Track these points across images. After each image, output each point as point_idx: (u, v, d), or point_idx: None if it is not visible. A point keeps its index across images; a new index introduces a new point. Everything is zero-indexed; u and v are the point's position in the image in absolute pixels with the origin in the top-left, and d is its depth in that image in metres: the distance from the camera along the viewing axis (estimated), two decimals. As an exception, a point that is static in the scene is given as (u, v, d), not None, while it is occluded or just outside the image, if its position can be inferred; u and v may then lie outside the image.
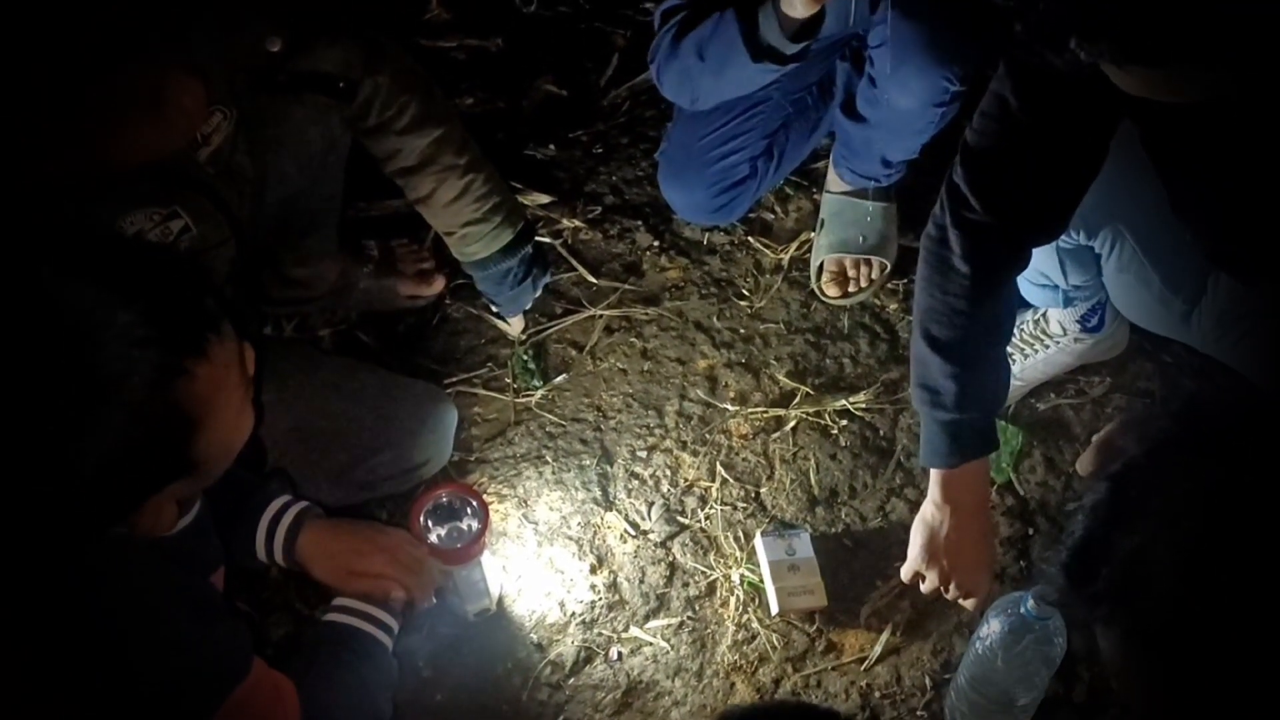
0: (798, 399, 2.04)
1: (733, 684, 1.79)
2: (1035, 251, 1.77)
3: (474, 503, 1.67)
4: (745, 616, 1.84)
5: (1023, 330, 2.01)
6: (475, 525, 1.67)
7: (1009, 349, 1.87)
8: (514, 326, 2.07)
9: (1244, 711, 0.87)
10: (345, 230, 2.08)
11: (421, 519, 1.67)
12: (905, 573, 1.73)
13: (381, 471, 1.81)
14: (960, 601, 1.71)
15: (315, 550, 1.53)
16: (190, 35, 1.28)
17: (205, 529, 1.26)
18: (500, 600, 1.83)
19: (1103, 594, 0.89)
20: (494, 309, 2.06)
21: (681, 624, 1.83)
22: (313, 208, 1.82)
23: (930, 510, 1.68)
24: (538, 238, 2.02)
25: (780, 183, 2.26)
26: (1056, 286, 1.86)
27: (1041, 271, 1.83)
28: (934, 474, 1.67)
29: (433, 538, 1.67)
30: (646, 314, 2.13)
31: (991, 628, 1.59)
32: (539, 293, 2.03)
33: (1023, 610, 1.54)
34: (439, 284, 2.11)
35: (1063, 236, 1.71)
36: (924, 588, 1.71)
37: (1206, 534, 0.86)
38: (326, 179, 1.80)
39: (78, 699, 1.09)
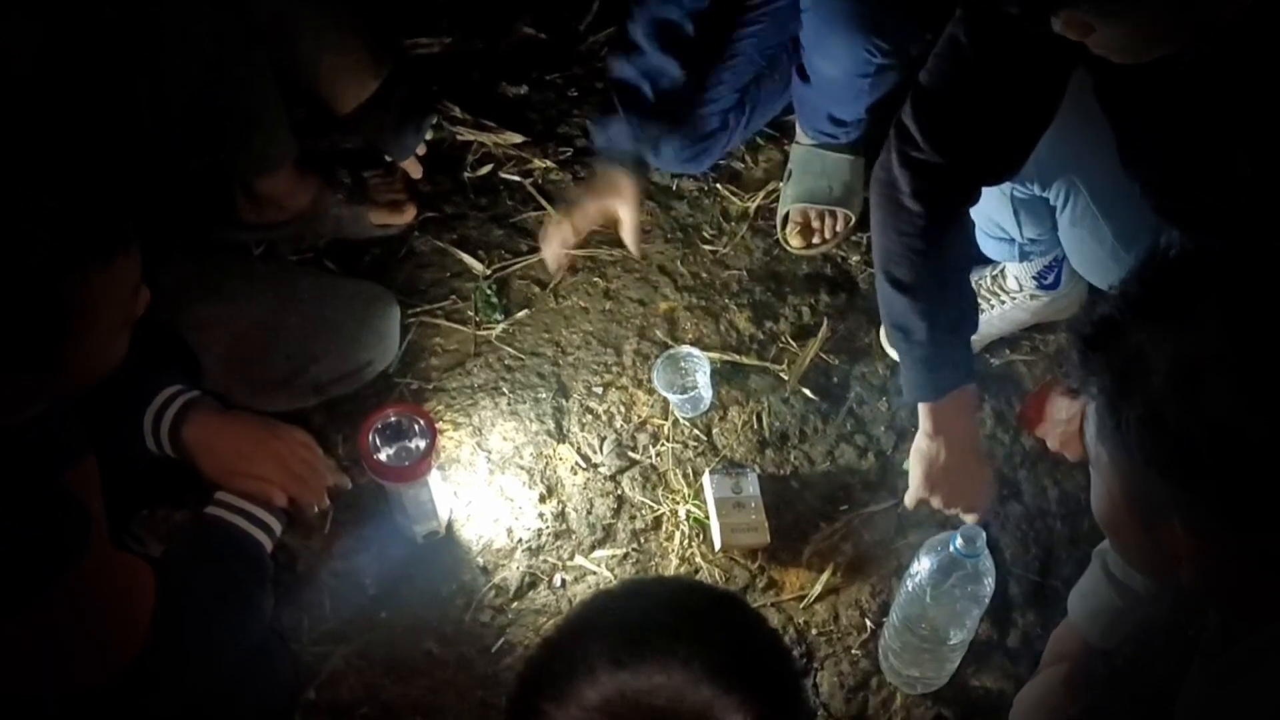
0: (755, 344, 2.07)
1: (673, 615, 1.82)
2: (990, 203, 1.80)
3: (421, 422, 1.70)
4: (689, 551, 1.88)
5: (980, 285, 2.03)
6: (422, 445, 1.70)
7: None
8: (412, 171, 2.14)
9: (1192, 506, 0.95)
10: (317, 159, 2.11)
11: (370, 437, 1.70)
12: (910, 500, 1.77)
13: (326, 375, 1.84)
14: (963, 516, 1.75)
15: (199, 445, 1.54)
16: None
17: (57, 420, 1.27)
18: (449, 524, 1.87)
19: (1103, 370, 0.97)
20: (387, 158, 2.12)
21: (626, 555, 1.86)
22: (237, 89, 1.82)
23: (924, 442, 1.72)
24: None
25: (752, 135, 2.28)
26: (1012, 239, 1.88)
27: (997, 223, 1.85)
28: (921, 408, 1.70)
29: (381, 456, 1.70)
30: (611, 255, 2.15)
31: (922, 565, 1.62)
32: (425, 135, 2.09)
33: (952, 549, 1.57)
34: (410, 213, 2.14)
35: (1017, 187, 1.73)
36: (930, 508, 1.77)
37: (1205, 357, 0.92)
38: (245, 67, 1.81)
39: None
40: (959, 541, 1.55)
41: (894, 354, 2.03)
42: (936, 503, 1.74)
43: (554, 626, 0.95)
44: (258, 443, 1.57)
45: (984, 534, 1.55)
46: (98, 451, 1.36)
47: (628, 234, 1.96)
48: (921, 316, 1.62)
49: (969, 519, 1.75)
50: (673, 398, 1.96)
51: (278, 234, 2.09)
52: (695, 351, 1.98)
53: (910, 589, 1.64)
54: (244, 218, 2.05)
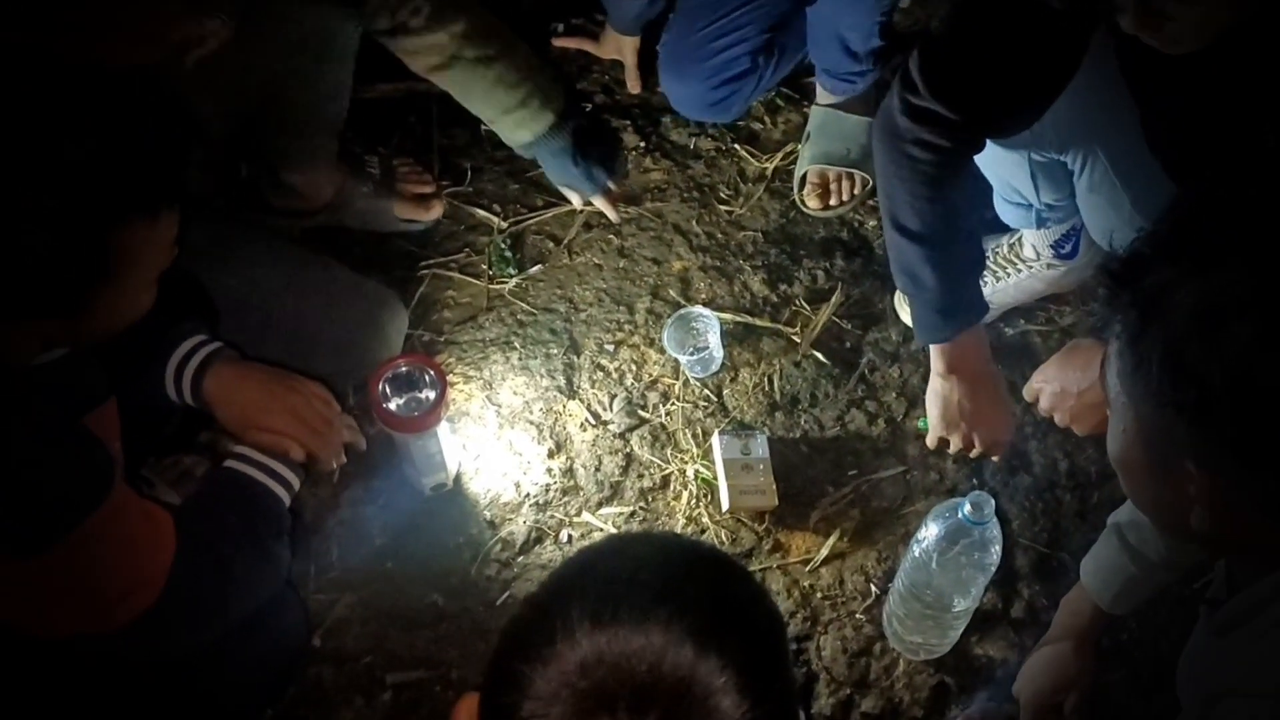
0: (768, 306, 2.06)
1: (678, 574, 1.82)
2: (1008, 167, 1.78)
3: (432, 373, 1.70)
4: (696, 511, 1.87)
5: (997, 254, 2.02)
6: (432, 396, 1.70)
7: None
8: (609, 213, 2.10)
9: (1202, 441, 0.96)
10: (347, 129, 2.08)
11: (380, 387, 1.69)
12: (930, 440, 1.79)
13: (323, 365, 1.81)
14: (987, 454, 1.79)
15: (220, 396, 1.54)
16: None
17: (80, 363, 1.28)
18: (457, 477, 1.87)
19: (1127, 308, 0.98)
20: (583, 203, 2.09)
21: (633, 513, 1.86)
22: (305, 109, 1.81)
23: (938, 383, 1.72)
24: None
25: (778, 84, 2.26)
26: (1030, 205, 1.86)
27: (1014, 188, 1.83)
28: (934, 349, 1.70)
29: (391, 406, 1.70)
30: (626, 213, 2.14)
31: (929, 531, 1.62)
32: (618, 170, 2.08)
33: (960, 515, 1.56)
34: (436, 210, 2.11)
35: (1035, 150, 1.71)
36: (950, 450, 1.79)
37: (1229, 299, 0.93)
38: (321, 80, 1.80)
39: None
40: (967, 508, 1.54)
41: (906, 318, 2.02)
42: (955, 442, 1.75)
43: (538, 586, 0.93)
44: (275, 396, 1.56)
45: (993, 501, 1.55)
46: (118, 397, 1.36)
47: (629, 77, 2.29)
48: (930, 263, 1.61)
49: (992, 457, 1.79)
50: (683, 358, 1.96)
51: (305, 223, 2.06)
52: (707, 312, 1.97)
53: (917, 554, 1.64)
54: (270, 204, 2.03)
